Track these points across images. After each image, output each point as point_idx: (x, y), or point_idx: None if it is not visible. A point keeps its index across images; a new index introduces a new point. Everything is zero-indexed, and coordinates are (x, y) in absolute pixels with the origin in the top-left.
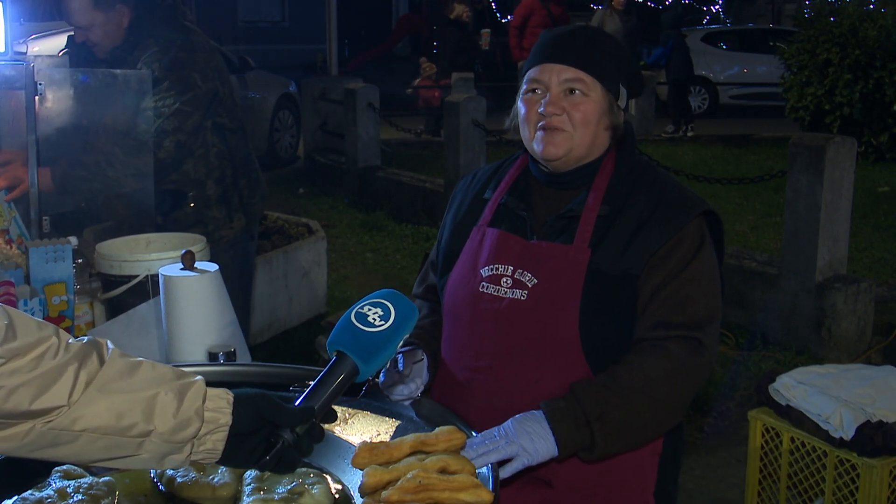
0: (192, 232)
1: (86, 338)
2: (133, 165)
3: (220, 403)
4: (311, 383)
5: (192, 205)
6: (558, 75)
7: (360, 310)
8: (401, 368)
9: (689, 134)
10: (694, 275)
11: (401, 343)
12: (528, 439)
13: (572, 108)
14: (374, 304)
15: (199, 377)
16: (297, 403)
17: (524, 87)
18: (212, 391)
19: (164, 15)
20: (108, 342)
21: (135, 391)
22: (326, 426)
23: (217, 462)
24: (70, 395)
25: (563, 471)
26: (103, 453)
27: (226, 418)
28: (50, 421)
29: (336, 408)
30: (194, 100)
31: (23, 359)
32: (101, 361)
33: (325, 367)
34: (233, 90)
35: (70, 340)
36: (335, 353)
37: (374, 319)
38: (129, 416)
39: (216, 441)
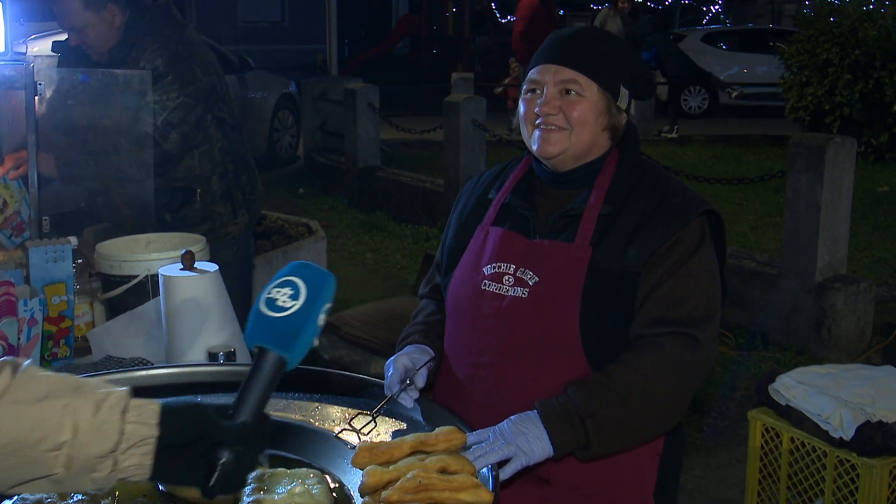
0: (200, 228)
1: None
2: (136, 155)
3: (145, 414)
4: (241, 387)
5: (199, 201)
6: (554, 76)
7: (268, 295)
8: (418, 383)
9: (672, 136)
10: (691, 272)
11: (323, 316)
12: (525, 439)
13: (568, 108)
14: (282, 285)
15: (122, 388)
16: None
17: (524, 87)
18: (136, 402)
19: (158, 14)
20: (26, 361)
21: (47, 404)
22: (326, 427)
23: (149, 479)
24: None
25: (562, 469)
26: (17, 472)
27: (150, 430)
28: None
29: (336, 408)
30: (196, 92)
31: None
32: (13, 375)
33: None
34: (228, 87)
35: None
36: (256, 349)
37: (284, 302)
38: (40, 430)
39: (142, 455)
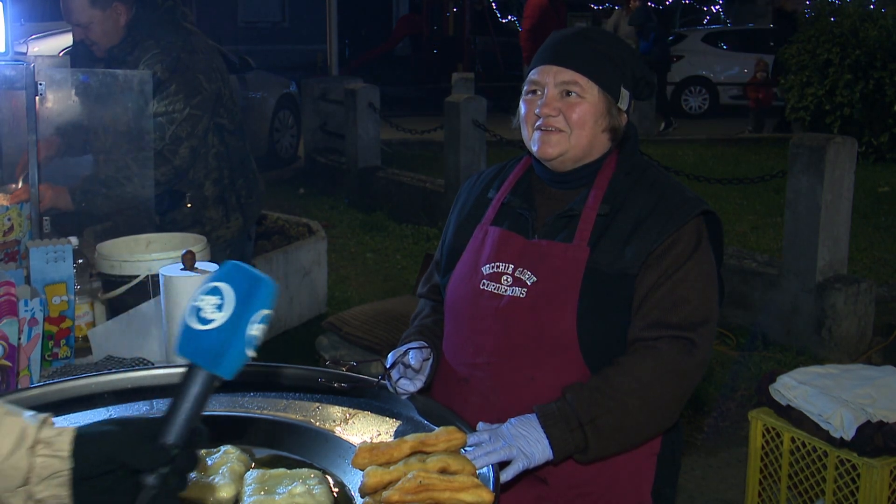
0: (189, 231)
1: None
2: (149, 177)
3: (57, 446)
4: (169, 403)
5: (189, 205)
6: (555, 77)
7: (194, 303)
8: (412, 363)
9: (669, 131)
10: (689, 275)
11: (258, 326)
12: (525, 442)
13: (568, 110)
14: (210, 292)
15: (34, 421)
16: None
17: (525, 87)
18: (47, 433)
19: (163, 16)
20: None
21: None
22: (326, 427)
23: None
24: None
25: (559, 469)
26: None
27: (63, 463)
28: None
29: (337, 408)
30: (202, 103)
31: None
32: None
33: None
34: (233, 91)
35: None
36: (187, 364)
37: (210, 312)
38: None
39: (57, 487)
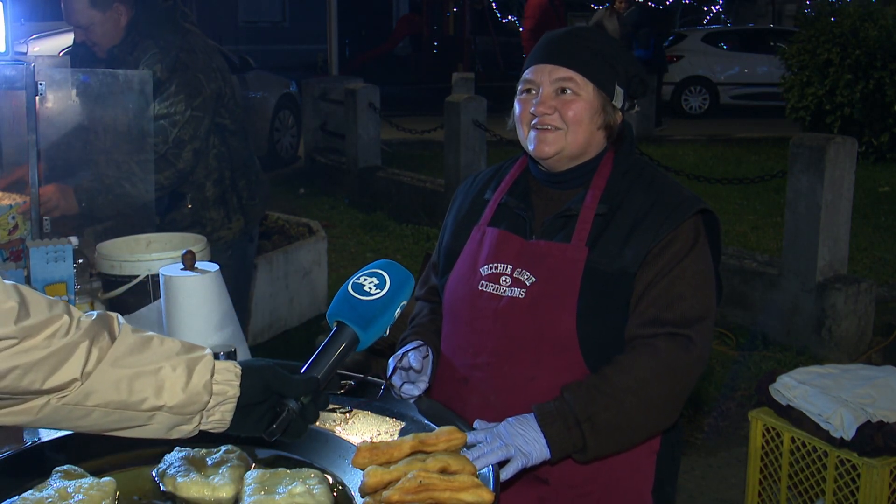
0: (189, 232)
1: (95, 313)
2: (151, 180)
3: (229, 376)
4: (314, 353)
5: (189, 206)
6: (549, 75)
7: (356, 280)
8: (413, 364)
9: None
10: (685, 272)
11: (398, 311)
12: (523, 441)
13: (563, 107)
14: (370, 275)
15: (207, 350)
16: (302, 371)
17: (519, 87)
18: (220, 364)
19: (163, 16)
20: (119, 317)
21: (145, 366)
22: (328, 427)
23: (225, 431)
24: (82, 372)
25: (560, 468)
26: (115, 425)
27: (234, 390)
28: (64, 396)
29: (337, 408)
30: (204, 104)
31: (36, 338)
32: (112, 337)
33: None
34: (235, 91)
35: (81, 318)
36: (335, 324)
37: (370, 288)
38: (139, 392)
39: (224, 412)
